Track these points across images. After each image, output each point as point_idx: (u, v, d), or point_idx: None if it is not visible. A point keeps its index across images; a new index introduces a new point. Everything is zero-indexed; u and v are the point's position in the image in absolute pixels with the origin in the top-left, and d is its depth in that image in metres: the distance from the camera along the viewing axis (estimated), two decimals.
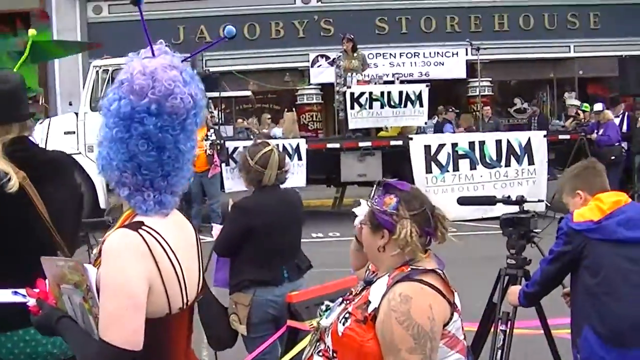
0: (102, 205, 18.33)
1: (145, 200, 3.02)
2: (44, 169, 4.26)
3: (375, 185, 3.97)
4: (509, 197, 6.48)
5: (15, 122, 4.22)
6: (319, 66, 27.55)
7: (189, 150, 3.08)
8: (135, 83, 2.90)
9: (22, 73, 10.98)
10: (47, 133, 18.26)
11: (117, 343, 2.78)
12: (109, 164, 2.98)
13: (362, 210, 4.09)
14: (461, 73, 28.39)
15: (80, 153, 18.43)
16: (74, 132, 18.99)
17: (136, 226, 2.92)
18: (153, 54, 3.02)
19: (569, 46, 30.47)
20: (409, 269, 3.72)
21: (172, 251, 2.95)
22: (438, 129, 23.22)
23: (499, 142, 18.91)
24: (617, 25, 29.60)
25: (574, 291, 5.46)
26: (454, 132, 22.37)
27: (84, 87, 20.25)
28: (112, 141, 2.94)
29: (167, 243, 2.94)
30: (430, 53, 28.37)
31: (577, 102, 27.05)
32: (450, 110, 24.69)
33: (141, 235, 2.89)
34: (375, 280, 3.86)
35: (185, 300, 3.01)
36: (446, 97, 28.34)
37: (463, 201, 7.00)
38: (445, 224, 3.90)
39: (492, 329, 6.14)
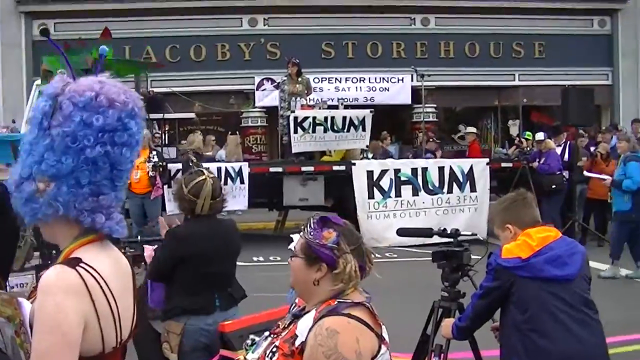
0: None
1: (119, 222, 3.00)
2: None
3: (309, 219, 3.92)
4: (444, 230, 6.46)
5: None
6: (264, 89, 27.55)
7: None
8: (110, 92, 2.89)
9: None
10: None
11: None
12: (76, 195, 2.86)
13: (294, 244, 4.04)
14: (406, 99, 28.49)
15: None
16: None
17: (74, 263, 2.82)
18: (74, 78, 2.96)
19: (514, 74, 30.82)
20: (336, 302, 3.67)
21: (109, 289, 2.87)
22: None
23: (441, 169, 18.94)
24: (561, 55, 30.11)
25: (503, 325, 5.44)
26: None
27: (27, 105, 20.02)
28: (87, 164, 2.84)
29: (104, 281, 2.85)
30: (375, 78, 28.48)
31: (516, 131, 27.41)
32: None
33: (79, 272, 2.79)
34: (303, 314, 3.81)
35: (119, 339, 2.94)
36: (391, 122, 28.47)
37: (402, 233, 7.01)
38: (371, 259, 3.90)
39: None
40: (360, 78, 29.02)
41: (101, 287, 2.84)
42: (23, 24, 28.12)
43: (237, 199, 17.76)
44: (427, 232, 6.64)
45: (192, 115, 24.95)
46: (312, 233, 3.85)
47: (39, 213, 2.89)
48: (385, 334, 3.73)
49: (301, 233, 3.93)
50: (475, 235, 6.20)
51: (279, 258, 16.05)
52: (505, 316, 5.37)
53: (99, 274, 2.85)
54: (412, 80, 27.43)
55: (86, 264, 2.84)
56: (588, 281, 5.37)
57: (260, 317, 5.86)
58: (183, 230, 6.31)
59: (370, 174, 18.48)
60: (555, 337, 5.10)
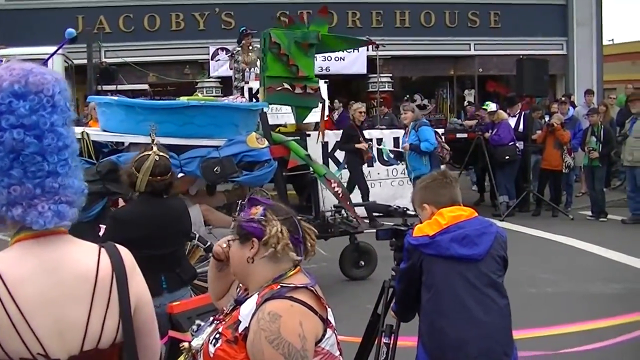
0: None
1: (42, 213, 2.71)
2: None
3: (240, 204, 3.96)
4: (396, 208, 6.46)
5: None
6: (218, 60, 27.29)
7: (69, 137, 2.80)
8: None
9: (302, 63, 11.76)
10: None
11: None
12: None
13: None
14: (361, 69, 28.33)
15: None
16: None
17: None
18: None
19: (469, 44, 30.80)
20: (279, 286, 3.68)
21: (10, 295, 2.62)
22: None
23: (396, 139, 18.91)
24: (516, 24, 30.16)
25: (420, 308, 5.41)
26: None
27: None
28: None
29: (4, 285, 2.62)
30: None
31: (472, 100, 27.47)
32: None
33: None
34: (245, 299, 3.79)
35: (38, 352, 2.67)
36: (347, 92, 28.38)
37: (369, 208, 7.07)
38: (312, 236, 3.91)
39: (375, 342, 6.08)
40: None
41: None
42: None
43: None
44: (383, 209, 6.66)
45: (145, 86, 24.68)
46: (242, 214, 3.93)
47: None
48: (331, 317, 3.73)
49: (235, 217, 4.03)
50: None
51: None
52: (421, 298, 5.34)
53: (0, 278, 2.64)
54: (367, 50, 27.24)
55: None
56: (501, 263, 5.30)
57: (208, 298, 5.79)
58: (124, 212, 6.31)
59: (325, 145, 18.39)
60: (454, 319, 5.06)
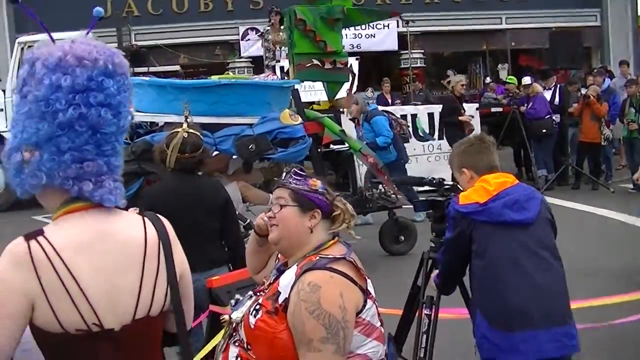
0: None
1: (111, 190, 2.84)
2: None
3: (288, 171, 3.97)
4: (432, 179, 6.38)
5: None
6: (248, 39, 27.28)
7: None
8: (79, 50, 2.74)
9: (330, 38, 11.79)
10: None
11: None
12: (59, 163, 2.73)
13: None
14: (393, 45, 28.18)
15: (9, 131, 18.18)
16: (2, 110, 19.06)
17: (32, 236, 2.71)
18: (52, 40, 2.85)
19: (501, 18, 30.56)
20: (318, 257, 3.70)
21: (65, 265, 2.68)
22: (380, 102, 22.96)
23: (431, 115, 18.78)
24: None
25: (470, 275, 5.37)
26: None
27: (11, 62, 19.95)
28: (63, 129, 2.70)
29: (58, 256, 2.68)
30: (361, 25, 28.08)
31: (506, 75, 27.23)
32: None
33: (29, 245, 2.68)
34: (285, 270, 3.82)
35: (93, 322, 2.73)
36: (378, 69, 28.23)
37: (396, 182, 7.02)
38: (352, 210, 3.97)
39: (417, 314, 6.05)
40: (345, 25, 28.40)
41: (51, 261, 2.67)
42: None
43: None
44: (417, 181, 6.62)
45: (177, 67, 24.67)
46: (298, 182, 3.90)
47: (25, 184, 2.79)
48: (370, 288, 3.75)
49: (280, 183, 3.97)
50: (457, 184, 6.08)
51: None
52: (470, 266, 5.31)
53: (53, 248, 2.69)
54: (397, 26, 27.05)
55: (45, 236, 2.72)
56: (551, 226, 5.30)
57: (247, 273, 5.75)
58: (154, 189, 6.43)
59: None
60: (514, 284, 5.02)
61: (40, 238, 2.70)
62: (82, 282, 2.71)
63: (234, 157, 10.34)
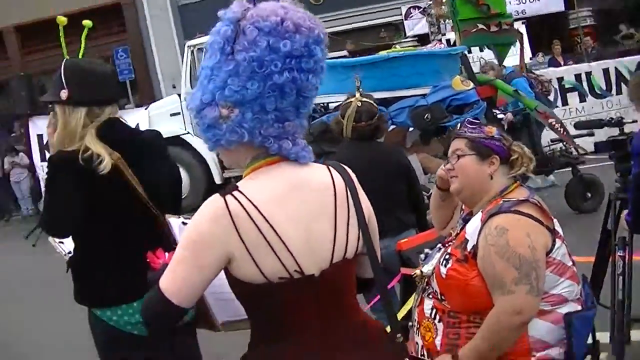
0: (217, 181, 19.02)
1: (304, 148, 2.99)
2: (138, 148, 4.47)
3: (460, 124, 4.12)
4: (610, 119, 6.26)
5: (107, 105, 4.44)
6: (412, 18, 27.18)
7: None
8: (296, 17, 2.82)
9: (492, 1, 11.97)
10: (149, 117, 18.82)
11: (164, 292, 2.82)
12: (261, 122, 2.85)
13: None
14: (559, 6, 27.47)
15: (188, 133, 19.23)
16: (180, 113, 19.59)
17: (227, 191, 2.84)
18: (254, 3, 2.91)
19: None
20: (501, 201, 3.75)
21: (264, 217, 2.79)
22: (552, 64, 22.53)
23: (606, 71, 18.37)
24: None
25: None
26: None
27: (183, 69, 20.54)
28: (273, 90, 2.81)
29: (257, 209, 2.80)
30: None
31: None
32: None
33: (226, 200, 2.79)
34: (470, 218, 3.88)
35: (294, 269, 2.84)
36: (547, 32, 27.65)
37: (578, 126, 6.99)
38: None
39: (610, 257, 5.94)
40: None
41: (249, 214, 2.78)
42: None
43: None
44: (597, 124, 6.50)
45: (344, 53, 24.89)
46: (473, 131, 3.98)
47: (222, 139, 2.89)
48: (558, 227, 3.80)
49: (456, 134, 4.09)
50: (637, 121, 5.94)
51: None
52: None
53: (249, 201, 2.80)
54: None
55: (240, 191, 2.83)
56: None
57: (435, 234, 5.76)
58: (336, 157, 6.34)
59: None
60: None
61: (235, 193, 2.81)
62: (280, 232, 2.80)
63: (411, 129, 10.38)
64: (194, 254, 2.79)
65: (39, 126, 15.52)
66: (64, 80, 4.33)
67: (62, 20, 4.67)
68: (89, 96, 4.36)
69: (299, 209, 2.89)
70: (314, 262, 2.88)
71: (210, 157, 18.69)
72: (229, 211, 2.77)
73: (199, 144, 18.53)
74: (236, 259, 2.79)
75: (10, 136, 27.33)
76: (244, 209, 2.78)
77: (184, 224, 4.04)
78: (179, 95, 20.22)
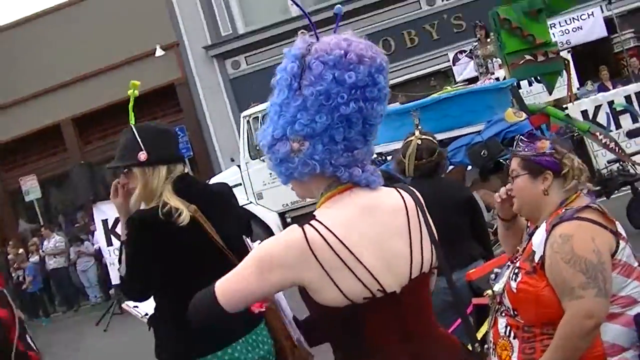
0: None
1: (372, 173, 3.07)
2: (211, 200, 4.67)
3: (515, 140, 4.15)
4: None
5: (180, 162, 4.66)
6: (460, 63, 27.27)
7: None
8: (358, 49, 2.90)
9: (536, 30, 12.13)
10: None
11: (216, 291, 2.96)
12: (331, 152, 2.93)
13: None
14: (602, 32, 27.36)
15: (251, 203, 19.19)
16: (241, 184, 19.51)
17: (305, 221, 2.93)
18: (317, 38, 3.02)
19: None
20: (563, 210, 3.83)
21: (340, 241, 2.88)
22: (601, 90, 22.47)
23: None
24: None
25: None
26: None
27: (240, 140, 20.82)
28: (341, 121, 2.89)
29: (333, 234, 2.88)
30: (566, 20, 27.40)
31: None
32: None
33: (304, 229, 2.88)
34: (535, 232, 3.96)
35: (377, 288, 2.91)
36: (593, 59, 27.65)
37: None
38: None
39: None
40: (550, 24, 27.62)
41: (326, 240, 2.86)
42: (217, 67, 29.09)
43: None
44: None
45: (397, 105, 25.04)
46: (526, 149, 4.03)
47: (295, 172, 2.98)
48: (621, 230, 3.83)
49: (513, 153, 4.16)
50: None
51: None
52: None
53: (326, 228, 2.89)
54: (602, 12, 26.46)
55: (318, 220, 2.92)
56: None
57: (504, 259, 5.80)
58: None
59: (584, 113, 18.07)
60: None
61: (313, 222, 2.91)
62: (358, 254, 2.89)
63: (469, 168, 10.51)
64: (259, 269, 2.89)
65: (103, 211, 15.88)
66: (140, 143, 4.48)
67: (136, 84, 4.85)
68: (166, 155, 4.57)
69: (373, 230, 2.97)
70: (394, 280, 2.97)
71: (274, 224, 18.81)
72: (307, 239, 2.85)
73: (263, 213, 18.74)
74: (320, 287, 2.88)
75: (74, 226, 27.86)
76: (322, 236, 2.86)
77: None
78: (239, 166, 20.31)
